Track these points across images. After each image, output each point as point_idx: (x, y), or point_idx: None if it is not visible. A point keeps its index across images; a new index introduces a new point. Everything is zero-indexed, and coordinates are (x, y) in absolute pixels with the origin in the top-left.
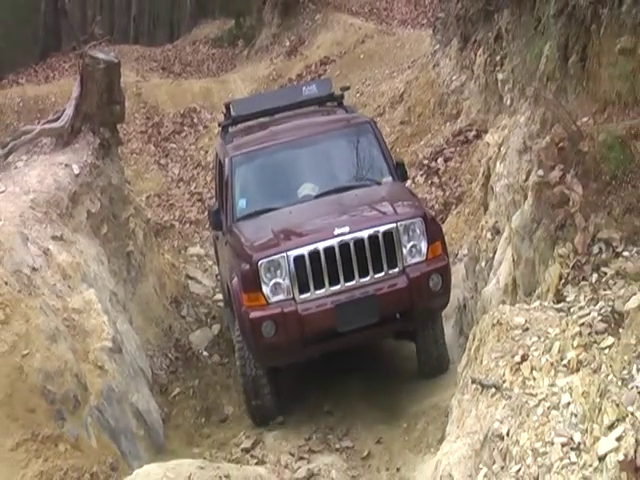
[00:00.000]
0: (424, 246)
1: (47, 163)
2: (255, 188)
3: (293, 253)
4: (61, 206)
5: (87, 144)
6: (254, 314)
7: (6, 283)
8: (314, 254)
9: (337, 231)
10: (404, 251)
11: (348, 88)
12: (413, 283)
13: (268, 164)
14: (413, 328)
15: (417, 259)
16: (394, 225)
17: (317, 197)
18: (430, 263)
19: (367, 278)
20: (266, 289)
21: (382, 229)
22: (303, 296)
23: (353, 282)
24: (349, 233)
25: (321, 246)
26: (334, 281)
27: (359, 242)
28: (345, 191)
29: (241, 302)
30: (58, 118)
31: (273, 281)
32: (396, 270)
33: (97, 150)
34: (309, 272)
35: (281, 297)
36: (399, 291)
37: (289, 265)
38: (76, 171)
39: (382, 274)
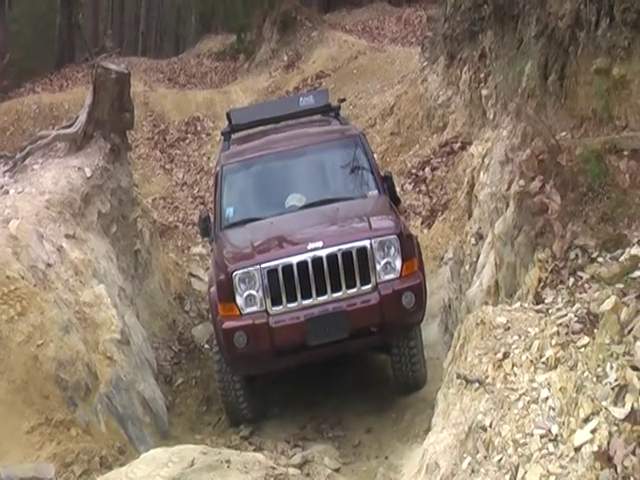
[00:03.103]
0: (398, 263)
1: (61, 166)
2: (243, 197)
3: (267, 266)
4: (74, 206)
5: (99, 149)
6: (227, 324)
7: (23, 277)
8: (287, 268)
9: (311, 246)
10: (378, 268)
11: (344, 100)
12: (385, 300)
13: (258, 173)
14: (387, 344)
15: (391, 276)
16: (368, 242)
17: (302, 208)
18: (404, 280)
19: (339, 293)
20: (240, 300)
21: (356, 245)
22: (275, 308)
23: (325, 297)
24: (322, 248)
25: (294, 260)
26: (306, 295)
27: (332, 257)
28: (330, 203)
29: (217, 311)
30: (72, 124)
31: (247, 292)
32: (369, 286)
33: (108, 155)
34: (282, 285)
35: (254, 309)
36: (370, 308)
37: (262, 278)
38: (88, 174)
39: (355, 290)
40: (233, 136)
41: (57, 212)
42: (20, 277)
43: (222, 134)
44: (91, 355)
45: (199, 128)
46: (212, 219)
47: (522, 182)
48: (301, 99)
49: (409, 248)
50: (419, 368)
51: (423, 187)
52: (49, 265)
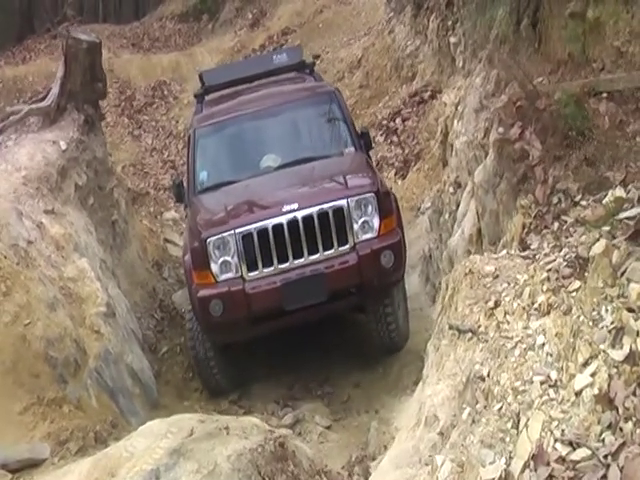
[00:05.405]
0: (376, 222)
1: (36, 141)
2: (217, 160)
3: (241, 231)
4: (51, 181)
5: (72, 121)
6: (203, 292)
7: (5, 257)
8: (262, 232)
9: (286, 208)
10: (355, 227)
11: (319, 56)
12: (363, 260)
13: (231, 135)
14: (366, 305)
15: (369, 235)
16: (345, 201)
17: (277, 169)
18: (382, 239)
19: (317, 255)
20: (215, 267)
21: (332, 205)
22: (251, 274)
23: (302, 260)
24: (298, 210)
25: (270, 224)
26: (283, 259)
27: (308, 219)
28: (306, 162)
29: (192, 279)
30: (44, 97)
31: (222, 259)
32: (347, 247)
33: (82, 126)
34: (257, 250)
35: (230, 275)
36: (349, 269)
37: (237, 243)
38: (63, 147)
39: (332, 251)
40: (206, 98)
41: (35, 188)
42: (3, 257)
43: (195, 96)
44: (78, 330)
45: (166, 92)
46: (185, 184)
47: (501, 129)
48: (274, 57)
49: (387, 205)
50: (396, 329)
51: (395, 138)
52: (30, 242)
